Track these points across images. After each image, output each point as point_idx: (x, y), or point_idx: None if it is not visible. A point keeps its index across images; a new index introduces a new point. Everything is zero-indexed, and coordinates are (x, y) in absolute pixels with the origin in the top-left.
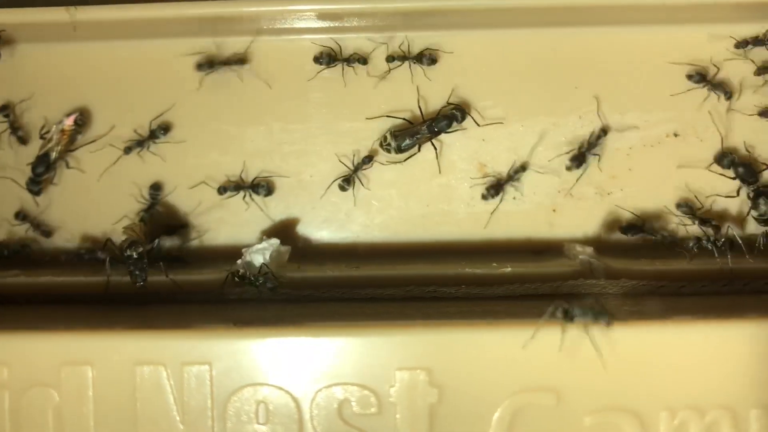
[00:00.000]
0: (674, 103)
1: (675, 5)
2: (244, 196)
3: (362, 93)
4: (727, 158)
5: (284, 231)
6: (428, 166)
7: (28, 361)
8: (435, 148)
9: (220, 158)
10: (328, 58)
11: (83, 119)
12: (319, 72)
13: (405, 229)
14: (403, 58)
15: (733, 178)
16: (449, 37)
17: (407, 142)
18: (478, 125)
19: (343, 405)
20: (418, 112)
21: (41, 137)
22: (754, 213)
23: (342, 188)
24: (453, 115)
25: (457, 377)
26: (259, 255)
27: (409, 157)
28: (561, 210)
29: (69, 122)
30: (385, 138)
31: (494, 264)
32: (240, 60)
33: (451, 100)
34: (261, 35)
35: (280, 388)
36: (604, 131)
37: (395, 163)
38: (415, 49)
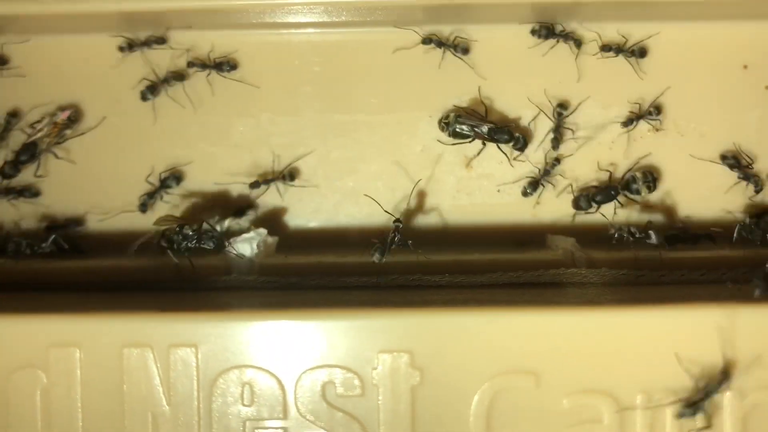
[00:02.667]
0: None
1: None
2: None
3: (351, 86)
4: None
5: (272, 221)
6: (415, 159)
7: (17, 342)
8: (483, 145)
9: (209, 149)
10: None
11: (77, 116)
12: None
13: (391, 220)
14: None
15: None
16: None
17: (464, 130)
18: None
19: (327, 387)
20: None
21: (31, 126)
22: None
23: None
24: (516, 137)
25: (438, 360)
26: (247, 244)
27: (457, 144)
28: (544, 202)
29: (63, 116)
30: (446, 117)
31: (477, 254)
32: (230, 64)
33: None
34: (251, 29)
35: (266, 371)
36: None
37: (446, 144)
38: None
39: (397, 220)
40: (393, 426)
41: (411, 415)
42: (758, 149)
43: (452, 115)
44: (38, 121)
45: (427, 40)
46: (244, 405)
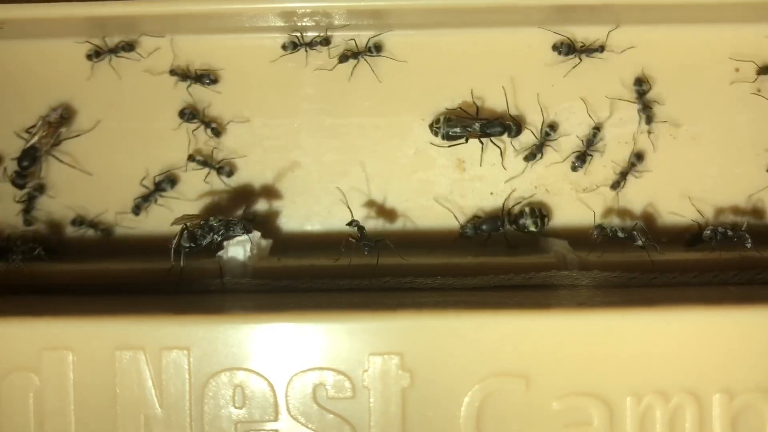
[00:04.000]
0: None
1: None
2: (207, 175)
3: (345, 89)
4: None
5: (265, 224)
6: (408, 162)
7: (10, 346)
8: (482, 144)
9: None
10: (292, 45)
11: (68, 113)
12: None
13: (384, 223)
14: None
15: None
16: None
17: (457, 131)
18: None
19: (318, 389)
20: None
21: (27, 131)
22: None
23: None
24: (508, 126)
25: (428, 362)
26: (240, 247)
27: (453, 146)
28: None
29: (55, 115)
30: (437, 120)
31: (470, 256)
32: (210, 77)
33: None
34: (243, 33)
35: (257, 373)
36: (597, 128)
37: (442, 147)
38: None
39: (352, 222)
40: (384, 428)
41: (401, 417)
42: (750, 151)
43: (442, 118)
44: (33, 126)
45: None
46: (235, 407)
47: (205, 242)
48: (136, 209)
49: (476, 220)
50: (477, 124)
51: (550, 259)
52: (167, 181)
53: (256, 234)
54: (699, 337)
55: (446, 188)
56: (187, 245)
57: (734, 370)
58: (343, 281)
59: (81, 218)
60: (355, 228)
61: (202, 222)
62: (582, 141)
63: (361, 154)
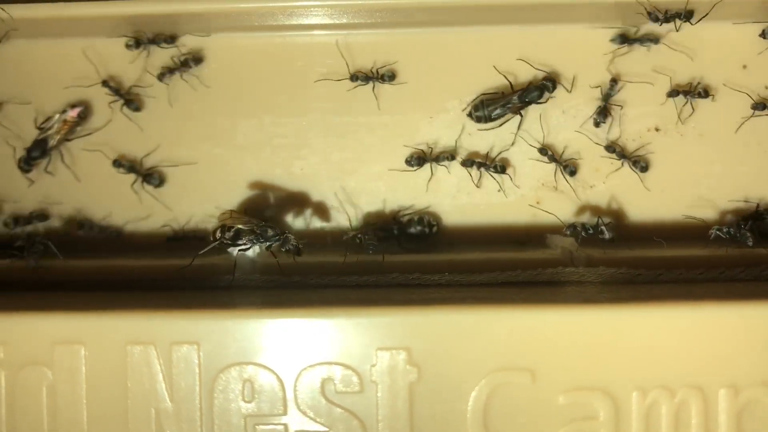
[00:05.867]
0: (656, 98)
1: None
2: (134, 182)
3: (353, 88)
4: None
5: (275, 221)
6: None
7: (24, 341)
8: (521, 116)
9: (213, 150)
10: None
11: (86, 113)
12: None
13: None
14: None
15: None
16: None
17: (497, 111)
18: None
19: (326, 383)
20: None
21: (39, 126)
22: None
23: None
24: (544, 85)
25: (435, 357)
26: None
27: (501, 125)
28: (544, 202)
29: (73, 114)
30: (475, 107)
31: (477, 253)
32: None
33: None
34: (254, 32)
35: (266, 368)
36: (614, 80)
37: (485, 130)
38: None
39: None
40: (391, 422)
41: (409, 411)
42: (757, 149)
43: (479, 101)
44: (49, 119)
45: (354, 77)
46: (245, 401)
47: (247, 246)
48: (116, 164)
49: (374, 227)
50: (514, 97)
51: (557, 256)
52: (154, 176)
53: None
54: (704, 332)
55: (453, 185)
56: (230, 243)
57: (739, 365)
58: (351, 277)
59: (89, 222)
60: (356, 237)
61: (257, 228)
62: (600, 96)
63: (369, 152)
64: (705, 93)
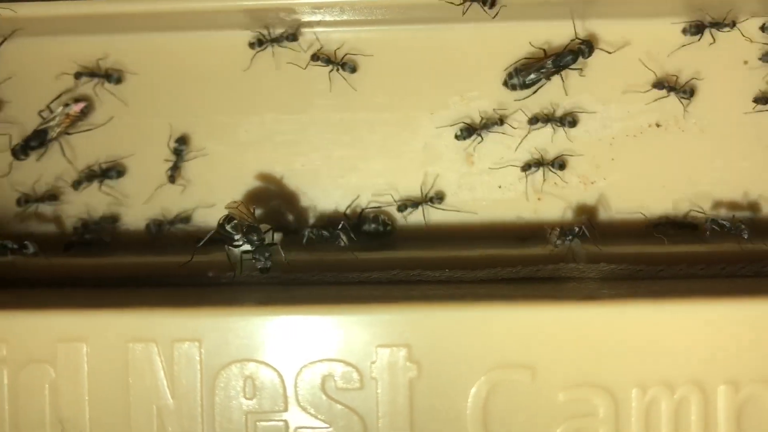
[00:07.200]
0: (655, 94)
1: None
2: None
3: (354, 84)
4: None
5: (276, 218)
6: (416, 156)
7: (26, 338)
8: (562, 80)
9: (216, 147)
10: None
11: (89, 109)
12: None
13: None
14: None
15: None
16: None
17: (532, 76)
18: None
19: (327, 380)
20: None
21: (40, 115)
22: None
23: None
24: (580, 49)
25: (435, 354)
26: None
27: (536, 91)
28: (546, 198)
29: (77, 108)
30: (510, 75)
31: (478, 249)
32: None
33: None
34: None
35: (267, 364)
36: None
37: (520, 99)
38: None
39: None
40: (391, 418)
41: (409, 408)
42: (757, 145)
43: (513, 69)
44: (50, 110)
45: (314, 57)
46: (246, 398)
47: (243, 241)
48: (77, 184)
49: (317, 224)
50: (549, 62)
51: (558, 252)
52: (114, 170)
53: (266, 227)
54: (705, 328)
55: (455, 182)
56: (230, 233)
57: (739, 361)
58: (351, 274)
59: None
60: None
61: (244, 228)
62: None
63: (370, 148)
64: (690, 92)
